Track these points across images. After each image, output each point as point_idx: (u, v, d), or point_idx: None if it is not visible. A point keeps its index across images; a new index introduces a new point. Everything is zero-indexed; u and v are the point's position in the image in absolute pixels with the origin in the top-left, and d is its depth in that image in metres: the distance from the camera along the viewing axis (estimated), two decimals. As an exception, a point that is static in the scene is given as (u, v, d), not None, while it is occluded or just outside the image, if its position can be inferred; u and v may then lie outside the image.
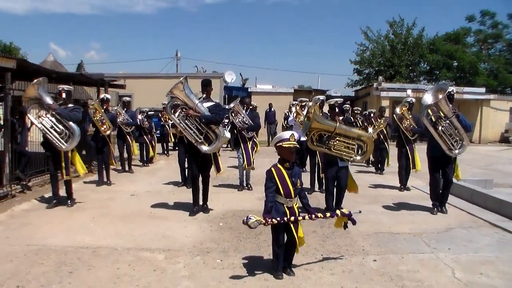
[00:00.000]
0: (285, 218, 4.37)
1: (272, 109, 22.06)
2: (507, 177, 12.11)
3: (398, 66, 33.16)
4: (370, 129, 12.38)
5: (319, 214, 4.69)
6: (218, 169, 7.68)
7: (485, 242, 5.97)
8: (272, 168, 4.57)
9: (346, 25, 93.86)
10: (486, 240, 6.08)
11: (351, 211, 4.87)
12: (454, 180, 7.80)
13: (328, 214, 4.89)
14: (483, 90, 28.15)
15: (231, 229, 6.43)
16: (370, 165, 13.68)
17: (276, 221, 4.32)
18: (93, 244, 5.57)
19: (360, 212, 5.09)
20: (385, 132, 12.48)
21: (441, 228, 6.64)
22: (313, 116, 6.68)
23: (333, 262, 5.08)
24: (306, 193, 5.01)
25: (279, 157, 4.65)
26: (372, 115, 14.07)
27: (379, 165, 12.63)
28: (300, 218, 4.50)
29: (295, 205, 4.55)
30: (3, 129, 8.86)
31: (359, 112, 15.52)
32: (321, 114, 7.74)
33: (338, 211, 4.85)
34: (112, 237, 5.93)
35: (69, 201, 7.82)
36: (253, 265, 4.93)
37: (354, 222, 4.90)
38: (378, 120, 12.82)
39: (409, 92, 25.70)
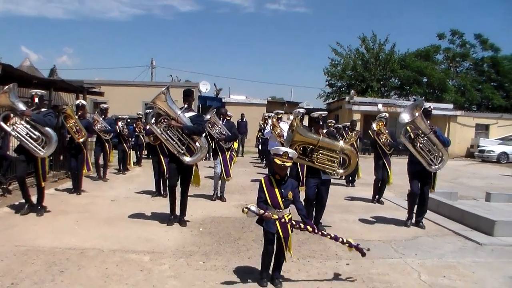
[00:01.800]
0: (282, 220, 4.49)
1: (244, 120, 22.01)
2: (470, 190, 12.70)
3: (369, 80, 33.98)
4: (341, 142, 12.64)
5: (320, 232, 4.78)
6: (194, 178, 7.48)
7: (448, 249, 6.44)
8: (262, 179, 4.70)
9: (320, 38, 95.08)
10: (450, 247, 6.56)
11: (359, 245, 4.97)
12: (453, 203, 8.10)
13: (330, 236, 4.82)
14: (450, 106, 29.14)
15: (210, 234, 6.73)
16: (341, 178, 13.94)
17: (273, 218, 4.43)
18: (80, 246, 5.80)
19: (368, 250, 5.09)
20: (356, 146, 12.70)
21: (409, 236, 7.09)
22: (295, 129, 6.60)
23: (308, 264, 5.46)
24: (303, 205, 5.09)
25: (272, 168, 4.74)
26: (346, 128, 14.00)
27: (350, 178, 12.75)
28: (296, 226, 4.56)
29: (287, 216, 4.58)
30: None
31: (332, 124, 15.80)
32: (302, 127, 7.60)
33: (344, 239, 4.86)
34: (97, 239, 6.16)
35: (40, 209, 7.57)
36: (234, 267, 5.25)
37: (362, 253, 4.92)
38: (350, 133, 12.99)
39: (380, 106, 26.39)
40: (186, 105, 7.14)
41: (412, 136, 7.42)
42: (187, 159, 6.91)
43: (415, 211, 7.95)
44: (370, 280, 5.00)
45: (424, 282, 5.01)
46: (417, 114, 7.09)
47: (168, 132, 6.87)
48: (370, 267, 5.46)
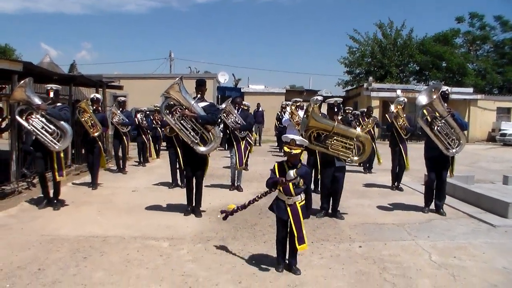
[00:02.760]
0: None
1: (260, 109, 21.84)
2: (488, 174, 12.69)
3: (388, 66, 33.81)
4: (358, 129, 12.68)
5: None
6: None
7: (461, 231, 6.55)
8: (276, 164, 4.78)
9: (337, 25, 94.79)
10: (463, 229, 6.66)
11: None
12: (469, 187, 7.91)
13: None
14: (470, 90, 28.88)
15: (228, 220, 6.86)
16: (359, 165, 13.98)
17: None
18: (102, 234, 6.05)
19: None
20: (373, 132, 12.76)
21: (422, 219, 7.21)
22: (310, 114, 6.59)
23: (322, 248, 5.62)
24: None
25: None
26: (363, 114, 13.97)
27: (368, 164, 12.77)
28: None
29: (299, 203, 4.67)
30: (10, 129, 9.24)
31: (350, 111, 15.81)
32: (319, 113, 7.42)
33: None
34: (119, 228, 6.41)
35: (56, 203, 7.65)
36: (250, 250, 5.45)
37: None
38: (366, 120, 12.99)
39: (398, 92, 26.24)
40: (199, 95, 7.14)
41: (429, 119, 7.31)
42: (201, 148, 6.87)
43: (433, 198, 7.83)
44: (381, 261, 5.15)
45: (434, 262, 5.13)
46: (434, 96, 7.01)
47: (182, 122, 6.84)
48: (382, 249, 5.60)
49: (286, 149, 4.60)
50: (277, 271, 4.74)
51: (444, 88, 7.47)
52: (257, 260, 5.09)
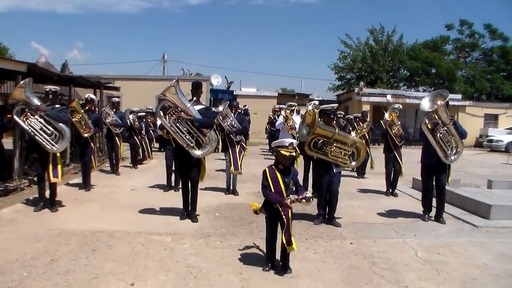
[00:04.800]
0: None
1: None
2: (475, 178, 13.11)
3: (378, 71, 34.34)
4: (353, 134, 12.79)
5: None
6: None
7: (446, 231, 6.98)
8: (266, 169, 4.87)
9: (329, 29, 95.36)
10: (447, 229, 7.09)
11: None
12: (454, 190, 7.90)
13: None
14: (459, 96, 29.45)
15: (226, 218, 7.29)
16: (352, 170, 14.01)
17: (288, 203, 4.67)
18: (107, 229, 6.38)
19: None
20: (368, 137, 12.82)
21: (410, 220, 7.63)
22: (317, 123, 6.68)
23: (316, 244, 6.00)
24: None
25: (275, 159, 5.01)
26: (357, 119, 13.86)
27: (360, 169, 12.74)
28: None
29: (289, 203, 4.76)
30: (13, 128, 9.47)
31: (341, 116, 15.94)
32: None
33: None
34: (122, 223, 6.75)
35: (53, 206, 7.57)
36: (248, 245, 5.83)
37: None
38: (361, 124, 13.03)
39: (389, 97, 26.77)
40: (195, 98, 7.08)
41: (430, 127, 7.25)
42: (196, 152, 6.80)
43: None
44: (371, 257, 5.53)
45: (420, 258, 5.53)
46: (439, 103, 7.00)
47: (177, 124, 6.78)
48: (372, 246, 5.99)
49: (285, 152, 4.73)
50: (264, 270, 4.89)
51: (448, 95, 7.31)
52: (255, 254, 5.47)
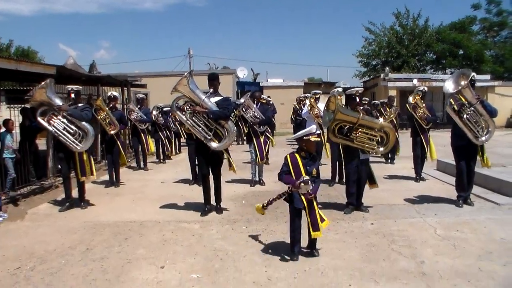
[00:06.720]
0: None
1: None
2: (502, 158, 13.00)
3: (405, 56, 34.00)
4: (381, 119, 12.60)
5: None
6: (230, 165, 7.29)
7: (467, 210, 7.08)
8: (288, 155, 4.97)
9: (354, 17, 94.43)
10: (468, 208, 7.18)
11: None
12: (477, 169, 7.58)
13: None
14: (488, 77, 28.96)
15: (252, 205, 7.48)
16: (381, 156, 13.40)
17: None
18: (138, 219, 6.75)
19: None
20: (395, 122, 12.66)
21: (432, 200, 7.75)
22: (337, 107, 6.55)
23: (337, 225, 6.22)
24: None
25: (298, 147, 5.04)
26: (384, 105, 13.62)
27: (389, 155, 12.59)
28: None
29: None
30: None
31: (366, 102, 15.73)
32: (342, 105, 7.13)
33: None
34: (153, 214, 7.12)
35: (82, 203, 7.72)
36: (273, 229, 6.09)
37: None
38: (388, 109, 12.85)
39: (415, 81, 26.49)
40: (211, 90, 6.97)
41: (456, 108, 7.04)
42: (214, 144, 6.71)
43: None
44: (390, 235, 5.72)
45: (438, 236, 5.69)
46: (463, 83, 6.79)
47: (193, 118, 6.72)
48: (392, 225, 6.17)
49: (314, 139, 4.84)
50: (292, 260, 4.89)
51: (471, 73, 6.97)
52: (279, 237, 5.72)
